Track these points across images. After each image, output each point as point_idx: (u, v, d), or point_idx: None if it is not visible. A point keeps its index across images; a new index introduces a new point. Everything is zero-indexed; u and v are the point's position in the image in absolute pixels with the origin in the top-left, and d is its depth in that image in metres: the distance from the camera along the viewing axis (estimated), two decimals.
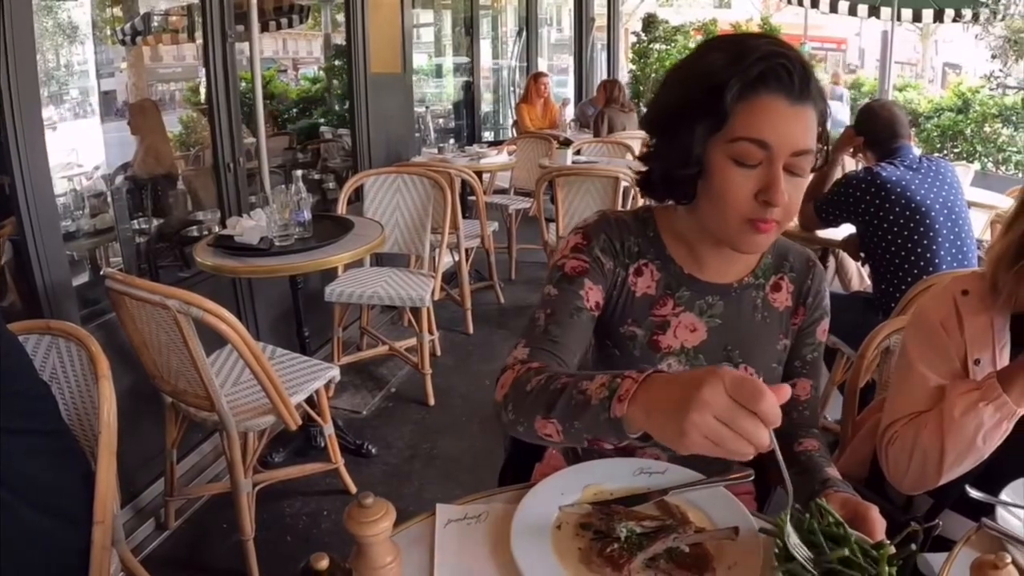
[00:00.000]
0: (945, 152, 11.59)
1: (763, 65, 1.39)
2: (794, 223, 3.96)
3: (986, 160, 11.58)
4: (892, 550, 1.12)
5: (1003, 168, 11.47)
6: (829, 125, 1.54)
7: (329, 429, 3.35)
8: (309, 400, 3.19)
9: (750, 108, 1.40)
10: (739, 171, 1.41)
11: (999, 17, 10.06)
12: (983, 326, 1.68)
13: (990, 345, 1.67)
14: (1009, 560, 1.04)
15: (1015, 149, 11.46)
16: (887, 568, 1.09)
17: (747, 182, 1.41)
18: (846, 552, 1.12)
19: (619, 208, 5.25)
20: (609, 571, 1.23)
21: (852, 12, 11.29)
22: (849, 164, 4.46)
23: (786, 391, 1.05)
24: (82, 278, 4.04)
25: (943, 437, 1.57)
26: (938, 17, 10.60)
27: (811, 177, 1.49)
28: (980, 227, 4.62)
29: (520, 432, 1.38)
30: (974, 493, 1.45)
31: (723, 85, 1.40)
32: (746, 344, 1.65)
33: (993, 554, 1.05)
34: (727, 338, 1.64)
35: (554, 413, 1.27)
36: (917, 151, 3.68)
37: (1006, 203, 4.76)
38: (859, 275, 4.63)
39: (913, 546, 1.16)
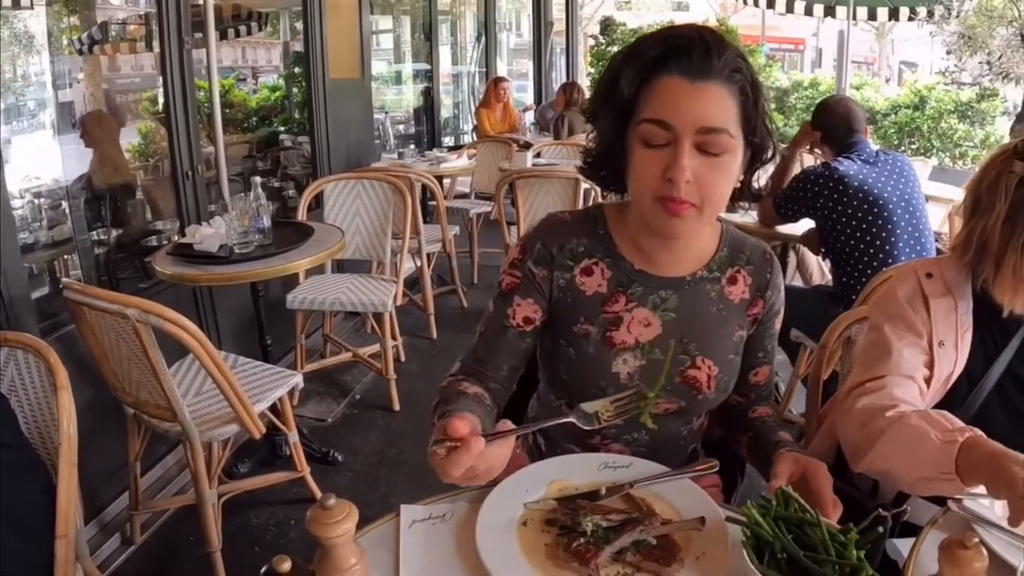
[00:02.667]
0: (903, 148, 11.76)
1: (660, 47, 1.44)
2: (753, 219, 3.99)
3: (943, 155, 11.77)
4: (856, 535, 1.13)
5: (960, 163, 11.65)
6: None
7: (294, 437, 3.33)
8: (273, 409, 3.18)
9: (650, 90, 1.45)
10: (647, 152, 1.45)
11: (954, 14, 10.19)
12: (947, 309, 1.71)
13: (953, 328, 1.70)
14: (977, 540, 1.05)
15: (971, 144, 11.64)
16: (855, 552, 1.10)
17: (655, 162, 1.44)
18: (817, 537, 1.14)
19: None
20: (576, 565, 1.23)
21: (808, 12, 11.40)
22: (807, 160, 4.51)
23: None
24: (41, 290, 3.99)
25: (887, 448, 1.52)
26: (893, 15, 10.72)
27: (736, 160, 1.48)
28: (938, 220, 4.68)
29: None
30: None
31: (620, 72, 1.49)
32: (701, 336, 1.65)
33: (961, 535, 1.06)
34: (682, 331, 1.64)
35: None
36: (874, 146, 3.72)
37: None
38: (820, 269, 4.67)
39: (880, 529, 1.17)
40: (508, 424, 1.29)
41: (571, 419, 1.39)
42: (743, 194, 1.62)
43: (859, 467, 1.63)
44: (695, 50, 1.41)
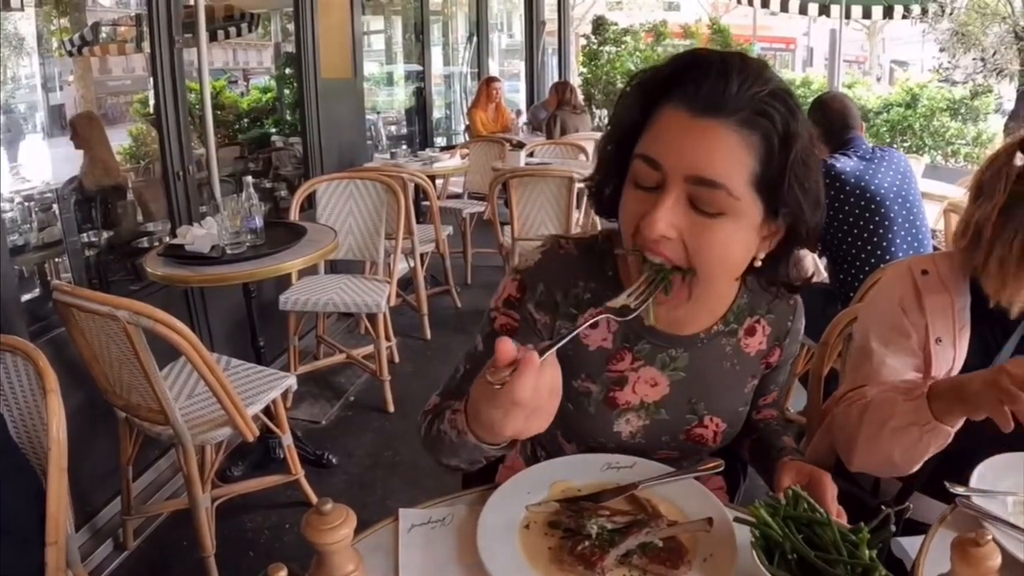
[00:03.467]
0: (895, 147, 11.76)
1: (670, 70, 1.25)
2: None
3: (935, 153, 11.80)
4: (868, 535, 1.10)
5: (952, 160, 11.68)
6: None
7: (288, 440, 3.30)
8: (267, 411, 3.15)
9: (652, 122, 1.25)
10: (633, 192, 1.27)
11: (948, 12, 10.21)
12: (943, 305, 1.68)
13: (951, 325, 1.67)
14: (990, 537, 1.03)
15: (963, 142, 11.68)
16: (867, 552, 1.07)
17: (638, 205, 1.25)
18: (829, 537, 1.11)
19: (573, 211, 5.24)
20: (582, 570, 1.20)
21: (803, 11, 11.44)
22: None
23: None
24: (31, 293, 3.95)
25: (863, 418, 1.56)
26: (888, 13, 10.75)
27: (741, 226, 1.23)
28: (933, 217, 4.66)
29: (450, 469, 1.46)
30: (954, 488, 1.42)
31: (626, 95, 1.31)
32: (711, 395, 1.53)
33: (973, 532, 1.04)
34: (691, 391, 1.51)
35: (446, 457, 1.38)
36: (869, 143, 3.70)
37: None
38: (816, 266, 4.66)
39: (893, 527, 1.14)
40: None
41: (607, 316, 1.21)
42: (768, 279, 1.41)
43: (855, 465, 1.63)
44: (707, 78, 1.18)
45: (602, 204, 1.44)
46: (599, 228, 1.53)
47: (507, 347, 1.02)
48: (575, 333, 1.12)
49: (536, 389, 1.02)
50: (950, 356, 1.67)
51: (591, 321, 1.21)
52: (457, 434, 1.24)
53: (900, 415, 1.47)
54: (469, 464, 1.39)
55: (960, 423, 1.41)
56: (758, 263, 1.33)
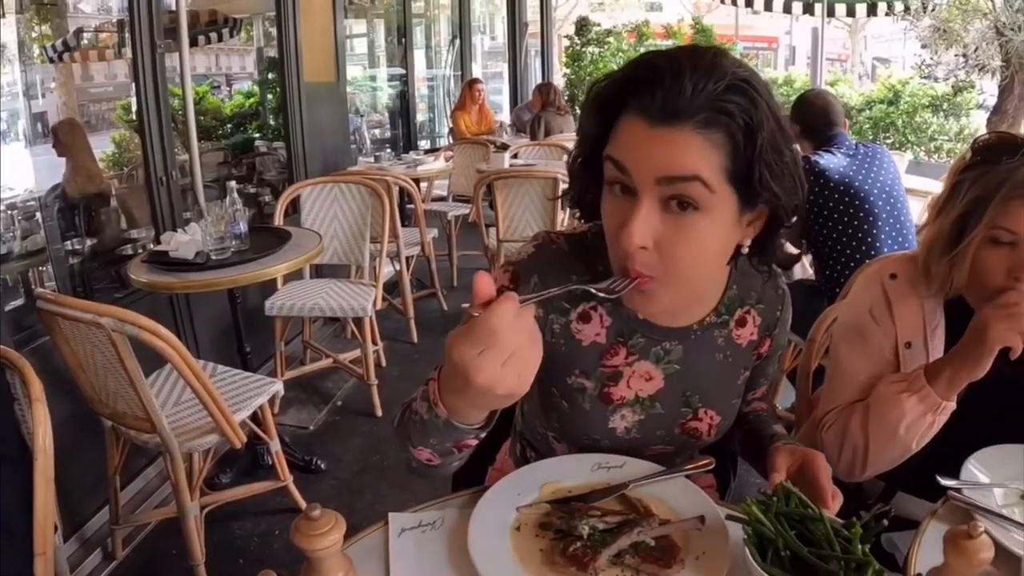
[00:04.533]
0: (878, 143, 11.82)
1: (620, 84, 1.24)
2: None
3: (918, 149, 11.86)
4: (860, 530, 1.10)
5: (935, 156, 11.74)
6: None
7: (276, 446, 3.29)
8: (254, 417, 3.14)
9: (614, 132, 1.24)
10: (611, 199, 1.27)
11: (930, 9, 10.25)
12: (913, 308, 1.71)
13: (921, 328, 1.70)
14: (983, 529, 1.03)
15: (946, 137, 11.75)
16: (860, 547, 1.07)
17: (616, 213, 1.25)
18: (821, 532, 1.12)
19: (559, 212, 5.23)
20: (574, 571, 1.19)
21: (787, 10, 11.46)
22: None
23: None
24: (15, 302, 3.93)
25: (867, 427, 1.60)
26: (871, 11, 10.80)
27: (715, 220, 1.21)
28: (917, 213, 4.68)
29: (415, 468, 1.39)
30: (945, 481, 1.43)
31: (585, 109, 1.31)
32: (705, 387, 1.53)
33: (966, 525, 1.04)
34: (686, 384, 1.51)
35: (416, 441, 1.30)
36: (852, 139, 3.71)
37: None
38: (801, 263, 4.67)
39: (885, 522, 1.14)
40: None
41: (584, 288, 1.21)
42: (760, 259, 1.39)
43: (867, 475, 1.67)
44: (661, 85, 1.16)
45: (586, 211, 1.44)
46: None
47: (484, 280, 1.01)
48: (559, 291, 1.14)
49: (513, 326, 1.00)
50: (921, 358, 1.69)
51: (571, 288, 1.20)
52: (428, 408, 1.20)
53: (910, 410, 1.52)
54: (441, 455, 1.30)
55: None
56: (745, 250, 1.33)
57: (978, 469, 1.46)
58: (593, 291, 1.22)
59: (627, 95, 1.21)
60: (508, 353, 1.01)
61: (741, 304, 1.54)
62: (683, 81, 1.15)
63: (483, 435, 1.26)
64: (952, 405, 1.51)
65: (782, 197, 1.24)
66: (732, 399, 1.59)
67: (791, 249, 1.40)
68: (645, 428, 1.52)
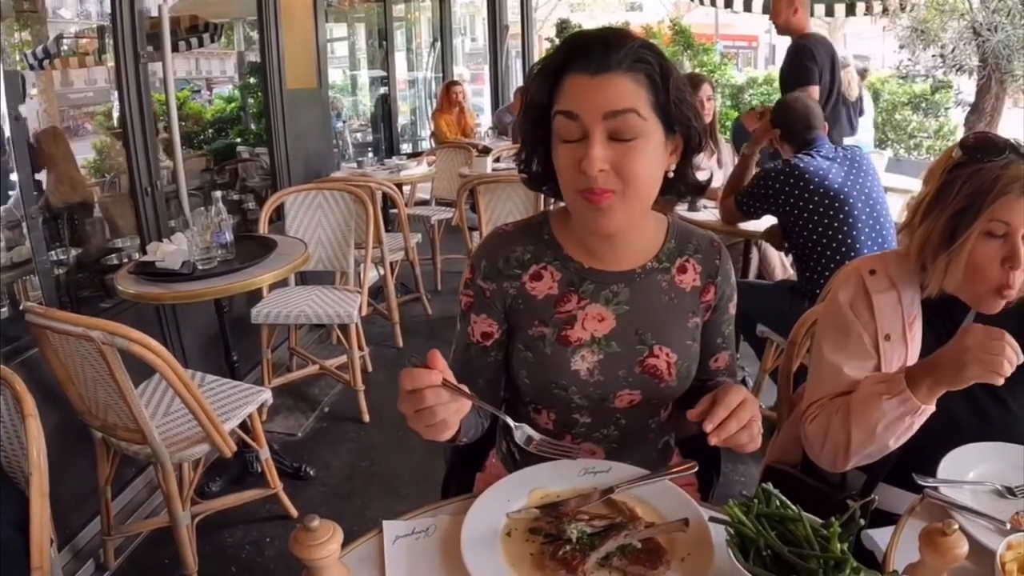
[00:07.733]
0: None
1: (562, 53, 1.49)
2: (715, 216, 4.03)
3: (898, 147, 11.90)
4: (839, 528, 1.13)
5: (915, 153, 11.79)
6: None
7: (265, 454, 3.31)
8: (243, 426, 3.15)
9: (559, 90, 1.48)
10: (564, 147, 1.48)
11: (908, 9, 10.31)
12: (891, 302, 1.76)
13: (899, 320, 1.75)
14: (956, 526, 1.07)
15: (925, 135, 11.80)
16: (838, 545, 1.11)
17: (571, 156, 1.47)
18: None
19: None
20: (564, 573, 1.23)
21: (766, 10, 11.46)
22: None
23: None
24: (1, 314, 3.93)
25: (849, 425, 1.64)
26: (850, 11, 10.83)
27: (652, 143, 1.48)
28: (897, 211, 4.72)
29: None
30: (922, 480, 1.48)
31: (531, 84, 1.55)
32: (656, 326, 1.67)
33: (941, 522, 1.07)
34: (637, 322, 1.66)
35: None
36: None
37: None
38: (782, 265, 4.72)
39: (863, 521, 1.18)
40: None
41: (511, 425, 1.49)
42: (682, 185, 1.64)
43: (848, 466, 1.70)
44: (594, 50, 1.45)
45: (532, 178, 1.69)
46: None
47: (435, 354, 1.38)
48: (477, 403, 1.41)
49: (434, 394, 1.33)
50: (901, 351, 1.74)
51: (502, 416, 1.49)
52: None
53: (889, 411, 1.57)
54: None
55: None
56: (671, 174, 1.60)
57: (956, 466, 1.51)
58: (512, 426, 1.50)
59: (568, 61, 1.47)
60: (441, 406, 1.32)
61: (680, 254, 1.72)
62: (610, 46, 1.44)
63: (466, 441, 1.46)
64: (931, 408, 1.55)
65: (692, 120, 1.53)
66: (686, 340, 1.71)
67: (702, 176, 1.65)
68: (606, 369, 1.65)
